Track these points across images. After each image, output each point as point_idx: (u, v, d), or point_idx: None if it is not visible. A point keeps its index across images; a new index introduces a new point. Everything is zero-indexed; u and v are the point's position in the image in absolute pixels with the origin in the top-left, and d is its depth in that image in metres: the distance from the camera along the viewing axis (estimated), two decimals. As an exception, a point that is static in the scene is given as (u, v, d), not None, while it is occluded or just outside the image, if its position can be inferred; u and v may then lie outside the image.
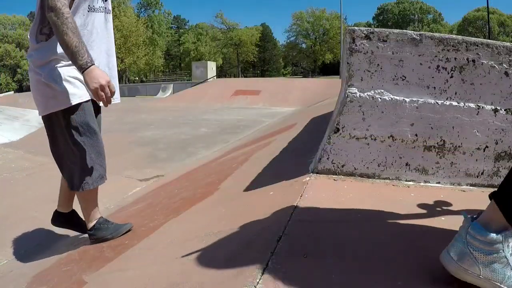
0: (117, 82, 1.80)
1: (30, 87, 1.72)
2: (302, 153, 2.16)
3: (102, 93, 1.48)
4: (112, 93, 1.52)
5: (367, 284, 0.87)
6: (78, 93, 1.63)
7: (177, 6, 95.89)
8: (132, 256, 1.47)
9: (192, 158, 3.94)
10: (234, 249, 1.12)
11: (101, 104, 1.62)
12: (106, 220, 1.81)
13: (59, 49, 1.55)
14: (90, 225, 1.78)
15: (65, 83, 1.60)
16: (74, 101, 1.61)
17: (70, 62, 1.52)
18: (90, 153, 1.69)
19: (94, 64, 1.47)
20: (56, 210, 1.94)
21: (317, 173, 1.62)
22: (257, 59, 61.45)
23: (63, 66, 1.61)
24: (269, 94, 10.05)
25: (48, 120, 1.70)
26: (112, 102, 1.62)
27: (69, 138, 1.64)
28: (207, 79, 20.20)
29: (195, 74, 23.36)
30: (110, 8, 1.76)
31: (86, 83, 1.47)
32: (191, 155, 4.05)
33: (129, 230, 1.80)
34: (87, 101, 1.67)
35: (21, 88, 46.43)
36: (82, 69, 1.45)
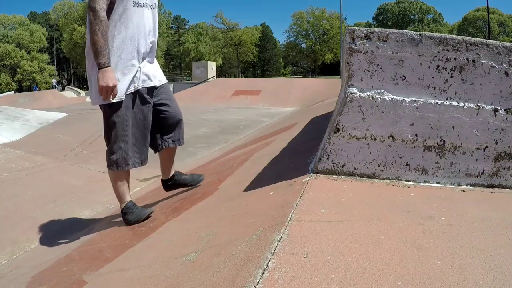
0: (158, 66, 2.07)
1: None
2: (302, 153, 2.16)
3: (105, 91, 1.73)
4: (114, 95, 1.77)
5: (366, 283, 0.87)
6: (120, 91, 1.83)
7: (177, 6, 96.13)
8: (132, 256, 1.47)
9: (192, 158, 3.94)
10: (234, 248, 1.12)
11: (149, 83, 1.93)
12: (133, 204, 1.99)
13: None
14: (121, 206, 2.00)
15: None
16: (115, 99, 1.82)
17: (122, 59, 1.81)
18: (119, 141, 1.90)
19: (110, 66, 1.73)
20: (161, 179, 2.28)
21: (317, 173, 1.62)
22: (257, 59, 61.44)
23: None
24: (269, 94, 10.04)
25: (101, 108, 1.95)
26: (158, 84, 1.99)
27: (105, 126, 1.92)
28: (207, 79, 20.19)
29: (195, 74, 23.35)
30: (155, 3, 1.95)
31: (98, 78, 1.72)
32: (191, 155, 4.04)
33: (149, 216, 1.96)
34: (128, 95, 1.87)
35: (21, 88, 46.43)
36: (100, 66, 1.71)
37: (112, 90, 1.74)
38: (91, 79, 1.87)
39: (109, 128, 1.89)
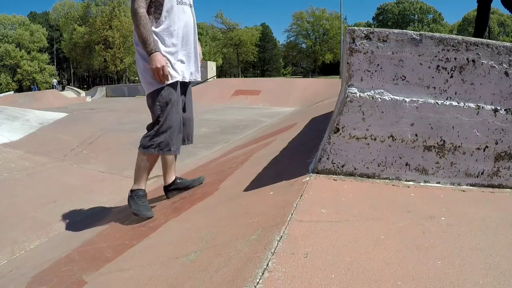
0: (198, 62, 2.23)
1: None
2: (302, 153, 2.16)
3: (157, 73, 1.93)
4: (166, 76, 1.95)
5: (367, 283, 0.87)
6: (175, 74, 2.04)
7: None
8: (132, 256, 1.47)
9: (192, 158, 3.94)
10: (234, 248, 1.12)
11: (186, 77, 2.13)
12: (143, 196, 2.06)
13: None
14: (133, 187, 2.08)
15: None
16: (161, 84, 1.99)
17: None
18: (168, 126, 2.03)
19: (157, 51, 1.93)
20: (163, 186, 2.31)
21: (317, 173, 1.62)
22: (257, 59, 61.43)
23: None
24: (269, 94, 10.04)
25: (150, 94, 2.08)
26: (192, 80, 2.19)
27: (156, 110, 2.03)
28: (207, 79, 20.17)
29: (195, 74, 23.24)
30: (191, 3, 2.18)
31: (149, 63, 1.93)
32: (191, 155, 4.04)
33: (148, 218, 1.98)
34: (174, 83, 2.04)
35: (21, 88, 46.42)
36: (148, 53, 1.92)
37: (163, 70, 1.92)
38: (141, 72, 2.04)
39: (161, 111, 2.00)
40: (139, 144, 2.07)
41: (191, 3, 2.16)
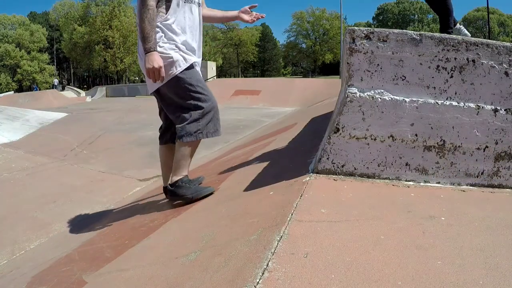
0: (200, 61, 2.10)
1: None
2: (302, 153, 2.16)
3: (152, 73, 1.80)
4: (162, 77, 1.82)
5: (367, 283, 0.87)
6: (185, 58, 1.94)
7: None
8: (132, 256, 1.47)
9: (192, 158, 3.94)
10: (234, 248, 1.12)
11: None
12: (190, 180, 1.98)
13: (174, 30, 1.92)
14: (174, 179, 1.95)
15: (172, 53, 1.90)
16: (186, 64, 1.91)
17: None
18: (210, 106, 1.92)
19: (156, 50, 1.81)
20: (164, 187, 2.15)
21: (317, 173, 1.62)
22: (257, 59, 61.45)
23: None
24: (269, 94, 10.04)
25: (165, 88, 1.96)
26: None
27: (191, 94, 1.91)
28: (207, 79, 20.18)
29: (195, 74, 23.25)
30: (200, 2, 2.10)
31: (145, 62, 1.80)
32: (191, 155, 4.04)
33: (209, 194, 1.94)
34: (193, 64, 1.96)
35: (21, 88, 46.43)
36: (146, 51, 1.80)
37: (158, 71, 1.79)
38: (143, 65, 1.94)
39: (195, 91, 1.89)
40: (178, 135, 1.92)
41: (200, 2, 2.08)
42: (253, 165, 2.36)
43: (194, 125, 1.89)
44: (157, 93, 1.98)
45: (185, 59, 1.92)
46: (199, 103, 1.89)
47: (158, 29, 1.88)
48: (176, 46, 1.91)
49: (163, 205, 2.19)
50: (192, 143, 1.93)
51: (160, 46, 1.87)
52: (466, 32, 2.59)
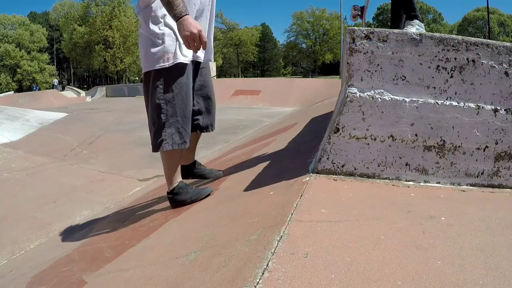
0: (212, 45, 1.93)
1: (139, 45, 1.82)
2: (302, 153, 2.16)
3: (193, 41, 1.54)
4: (204, 43, 1.56)
5: (367, 283, 0.87)
6: (178, 53, 1.69)
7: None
8: (132, 256, 1.47)
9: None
10: (234, 248, 1.12)
11: (200, 56, 1.81)
12: (186, 184, 1.90)
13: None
14: (170, 187, 1.88)
15: (166, 41, 1.66)
16: (172, 61, 1.67)
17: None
18: (177, 114, 1.74)
19: (188, 14, 1.54)
20: (181, 165, 2.02)
21: (317, 173, 1.62)
22: (257, 59, 61.45)
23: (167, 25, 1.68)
24: (269, 94, 10.04)
25: (146, 76, 1.76)
26: (203, 60, 1.84)
27: (159, 96, 1.71)
28: (207, 79, 20.12)
29: (195, 74, 23.23)
30: None
31: (179, 31, 1.53)
32: (191, 155, 4.04)
33: (208, 195, 1.88)
34: (185, 63, 1.72)
35: (21, 88, 46.44)
36: (176, 17, 1.53)
37: (198, 37, 1.53)
38: (143, 42, 1.72)
39: (165, 99, 1.69)
40: (153, 145, 1.82)
41: None
42: (253, 165, 2.36)
43: (159, 135, 1.75)
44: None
45: (175, 54, 1.67)
46: (164, 110, 1.71)
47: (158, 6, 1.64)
48: (175, 34, 1.67)
49: (163, 205, 2.19)
50: (169, 152, 1.80)
51: (155, 25, 1.64)
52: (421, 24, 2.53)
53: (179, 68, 1.70)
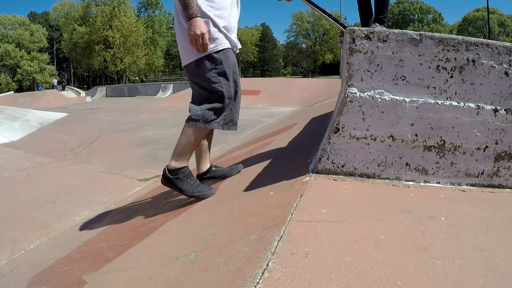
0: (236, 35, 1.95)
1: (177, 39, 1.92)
2: (302, 153, 2.16)
3: (196, 41, 1.70)
4: (205, 44, 1.71)
5: (367, 283, 0.87)
6: (224, 40, 1.81)
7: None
8: (132, 256, 1.47)
9: (192, 158, 3.94)
10: (234, 248, 1.12)
11: (238, 46, 1.93)
12: (190, 173, 1.87)
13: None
14: (175, 165, 1.83)
15: (211, 29, 1.77)
16: (223, 46, 1.79)
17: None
18: (231, 96, 1.82)
19: (198, 16, 1.70)
20: (197, 175, 2.07)
21: (317, 173, 1.62)
22: (257, 59, 61.46)
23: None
24: (269, 94, 10.03)
25: (197, 64, 1.82)
26: (236, 51, 1.93)
27: (214, 80, 1.79)
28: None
29: (195, 74, 23.24)
30: None
31: (188, 29, 1.71)
32: (191, 155, 4.04)
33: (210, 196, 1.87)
34: (228, 48, 1.83)
35: (21, 88, 46.47)
36: (189, 17, 1.70)
37: (203, 38, 1.69)
38: (179, 37, 1.83)
39: (220, 82, 1.76)
40: (188, 117, 1.81)
41: None
42: (253, 165, 2.36)
43: (212, 113, 1.79)
44: (189, 67, 1.84)
45: (226, 37, 1.80)
46: (220, 91, 1.78)
47: None
48: (215, 23, 1.78)
49: (163, 205, 2.19)
50: (203, 131, 1.83)
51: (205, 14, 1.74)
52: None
53: (229, 54, 1.83)
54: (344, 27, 2.17)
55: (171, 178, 1.84)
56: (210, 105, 1.79)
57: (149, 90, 22.90)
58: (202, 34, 1.69)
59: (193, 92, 1.93)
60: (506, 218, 1.27)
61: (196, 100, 1.86)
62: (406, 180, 1.60)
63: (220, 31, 1.79)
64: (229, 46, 1.84)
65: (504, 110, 1.57)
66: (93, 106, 12.49)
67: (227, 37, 1.82)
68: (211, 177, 2.13)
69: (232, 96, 1.82)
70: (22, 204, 2.89)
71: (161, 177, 1.90)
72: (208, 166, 2.11)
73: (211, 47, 1.76)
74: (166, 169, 1.86)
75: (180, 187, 1.85)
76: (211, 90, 1.79)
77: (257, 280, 0.86)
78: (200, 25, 1.69)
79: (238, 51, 2.00)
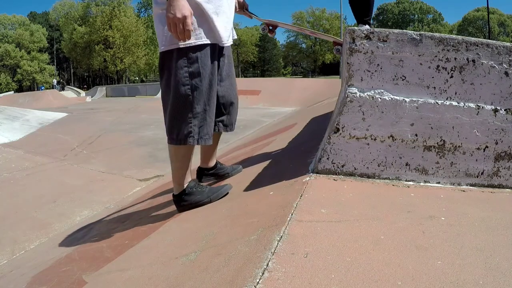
0: (232, 25, 1.65)
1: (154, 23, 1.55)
2: (302, 153, 2.16)
3: (175, 25, 1.32)
4: (187, 31, 1.33)
5: (367, 283, 0.87)
6: (201, 33, 1.45)
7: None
8: (132, 256, 1.47)
9: (192, 158, 3.94)
10: (234, 248, 1.12)
11: (224, 40, 1.52)
12: (198, 183, 1.71)
13: None
14: (179, 189, 1.65)
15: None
16: (195, 41, 1.43)
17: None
18: (204, 103, 1.50)
19: None
20: (201, 168, 1.94)
21: (317, 173, 1.62)
22: (257, 59, 61.47)
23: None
24: (269, 94, 10.03)
25: (166, 56, 1.50)
26: (225, 45, 1.55)
27: (184, 81, 1.46)
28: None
29: (195, 74, 23.25)
30: None
31: (166, 10, 1.31)
32: (191, 155, 4.04)
33: (227, 193, 1.74)
34: (209, 44, 1.48)
35: (21, 88, 46.47)
36: None
37: (184, 23, 1.31)
38: (155, 20, 1.51)
39: (191, 85, 1.44)
40: (168, 138, 1.60)
41: None
42: (253, 165, 2.36)
43: (184, 127, 1.53)
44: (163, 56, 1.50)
45: (214, 32, 1.46)
46: (191, 99, 1.47)
47: None
48: (202, 8, 1.44)
49: (163, 205, 2.19)
50: (181, 148, 1.61)
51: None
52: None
53: (207, 50, 1.48)
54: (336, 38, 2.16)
55: (182, 198, 1.71)
56: (180, 116, 1.50)
57: (149, 90, 22.87)
58: (184, 18, 1.31)
59: (161, 96, 1.61)
60: (506, 218, 1.27)
61: (165, 109, 1.57)
62: (406, 180, 1.60)
63: (206, 20, 1.45)
64: (214, 42, 1.50)
65: (504, 110, 1.57)
66: (93, 106, 12.49)
67: (213, 29, 1.48)
68: (214, 174, 2.07)
69: (206, 103, 1.53)
70: (22, 204, 2.89)
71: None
72: (214, 162, 2.02)
73: (191, 41, 1.41)
74: (173, 197, 1.75)
75: (195, 201, 1.69)
76: (181, 94, 1.48)
77: (257, 280, 0.86)
78: (183, 5, 1.31)
79: (232, 43, 1.70)
